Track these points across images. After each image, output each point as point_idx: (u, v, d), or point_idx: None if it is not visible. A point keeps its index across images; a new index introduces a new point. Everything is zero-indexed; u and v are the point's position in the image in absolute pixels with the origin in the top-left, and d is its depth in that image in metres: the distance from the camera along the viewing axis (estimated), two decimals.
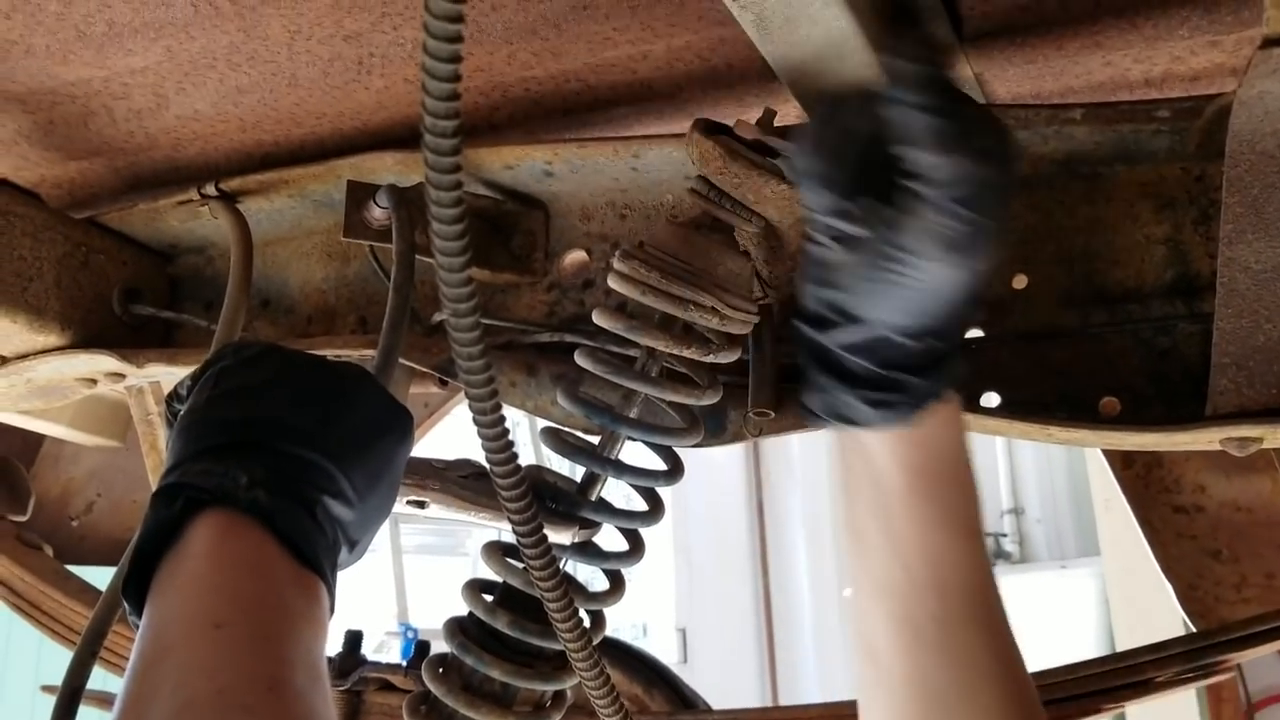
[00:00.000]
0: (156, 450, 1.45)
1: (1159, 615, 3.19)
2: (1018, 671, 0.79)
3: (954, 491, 0.80)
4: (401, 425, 0.80)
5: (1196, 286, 0.92)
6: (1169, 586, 1.23)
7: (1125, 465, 1.26)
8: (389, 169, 1.18)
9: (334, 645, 1.45)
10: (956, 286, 0.70)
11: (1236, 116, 0.81)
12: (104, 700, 1.35)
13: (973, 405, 0.97)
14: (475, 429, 0.77)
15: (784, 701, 5.39)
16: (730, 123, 0.95)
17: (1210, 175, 0.92)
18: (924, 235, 0.67)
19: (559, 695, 0.95)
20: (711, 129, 0.94)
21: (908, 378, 0.75)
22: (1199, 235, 0.93)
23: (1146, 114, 0.91)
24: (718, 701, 1.38)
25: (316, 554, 0.69)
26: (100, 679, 1.24)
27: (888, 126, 0.68)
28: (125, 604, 0.69)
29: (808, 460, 5.90)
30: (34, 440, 1.81)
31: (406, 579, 5.43)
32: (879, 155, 0.69)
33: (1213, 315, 0.85)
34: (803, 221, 0.81)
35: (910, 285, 0.69)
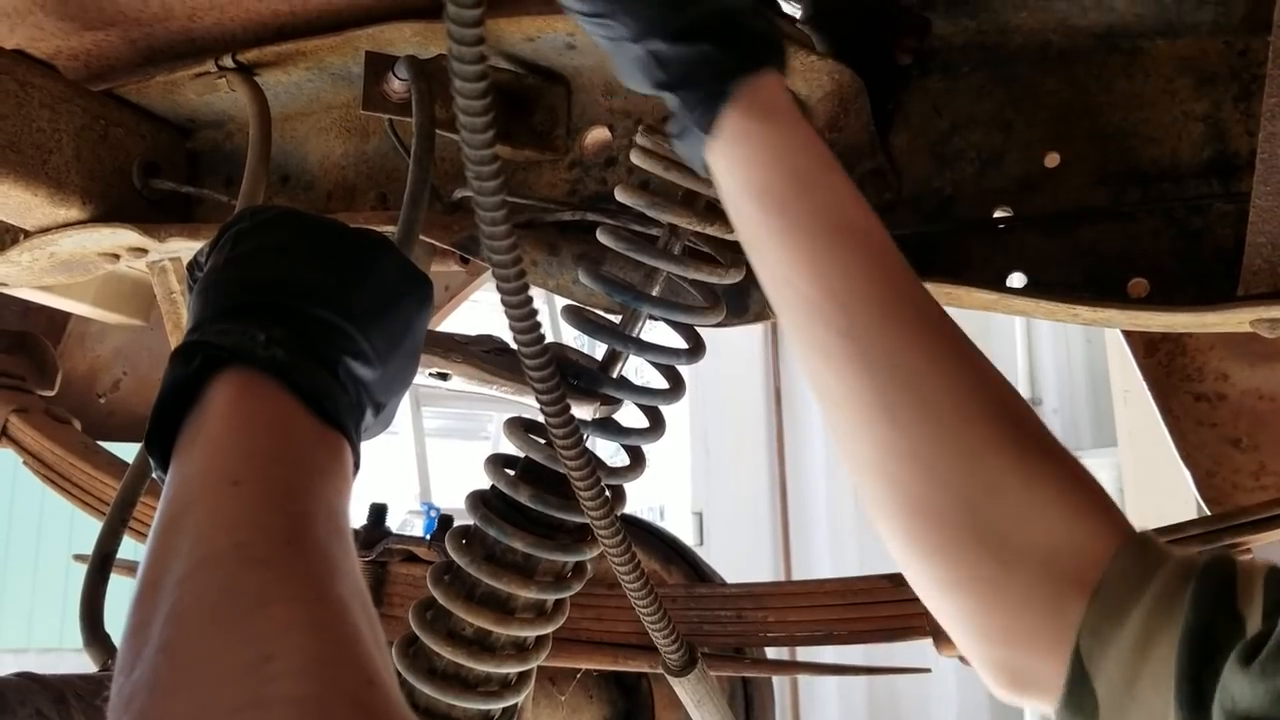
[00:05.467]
0: (180, 328, 1.46)
1: (1174, 506, 3.21)
2: (970, 369, 0.74)
3: (798, 198, 0.74)
4: (421, 289, 0.80)
5: (1234, 165, 0.90)
6: (1186, 477, 1.24)
7: (1148, 353, 1.25)
8: (408, 40, 1.15)
9: (359, 518, 1.48)
10: None
11: None
12: (135, 569, 1.39)
13: (998, 285, 0.96)
14: (500, 303, 0.77)
15: None
16: None
17: (1254, 50, 0.89)
18: None
19: (579, 566, 0.97)
20: None
21: (706, 48, 0.73)
22: (1239, 112, 0.90)
23: None
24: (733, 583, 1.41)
25: (338, 410, 0.69)
26: (131, 549, 1.28)
27: None
28: (151, 463, 0.69)
29: None
30: (60, 319, 1.82)
31: (429, 461, 5.51)
32: None
33: (1249, 195, 0.83)
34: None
35: None
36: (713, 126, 0.74)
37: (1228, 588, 0.63)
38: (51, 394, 1.70)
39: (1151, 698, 0.63)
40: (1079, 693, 0.67)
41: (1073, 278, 0.95)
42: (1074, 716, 0.67)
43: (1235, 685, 0.57)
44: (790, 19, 0.92)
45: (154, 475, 0.69)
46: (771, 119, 0.75)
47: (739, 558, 5.41)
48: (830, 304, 0.73)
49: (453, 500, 5.16)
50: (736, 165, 0.75)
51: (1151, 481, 3.59)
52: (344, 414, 0.70)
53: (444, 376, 0.92)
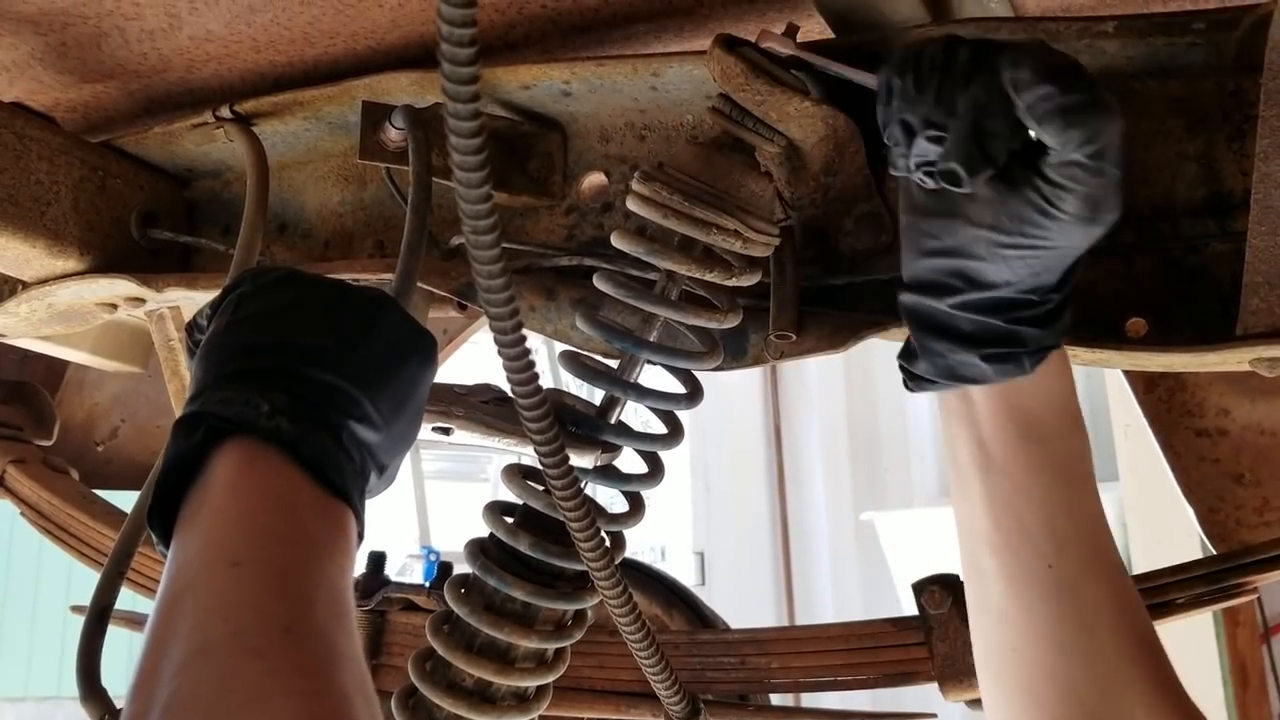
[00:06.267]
0: (178, 376, 1.46)
1: (1176, 540, 3.20)
2: (1134, 617, 0.80)
3: (1065, 437, 0.81)
4: (425, 348, 0.79)
5: (1229, 205, 0.90)
6: (1188, 511, 1.23)
7: (1147, 389, 1.25)
8: (404, 89, 1.16)
9: (357, 567, 1.47)
10: (1089, 243, 0.74)
11: (1276, 27, 0.78)
12: (132, 620, 1.38)
13: None
14: (497, 352, 0.77)
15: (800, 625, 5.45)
16: (752, 39, 0.93)
17: (1246, 90, 0.89)
18: (1069, 198, 0.72)
19: (580, 614, 0.96)
20: (733, 44, 0.92)
21: (1029, 330, 0.77)
22: (1232, 152, 0.90)
23: (1181, 26, 0.89)
24: (735, 624, 1.40)
25: (344, 480, 0.69)
26: (129, 600, 1.27)
27: (998, 90, 0.73)
28: (152, 535, 0.68)
29: (825, 385, 5.90)
30: (58, 367, 1.82)
31: (428, 504, 5.49)
32: (991, 114, 0.73)
33: (1245, 234, 0.83)
34: (899, 182, 0.84)
35: (1048, 247, 0.74)
36: (1038, 363, 0.79)
37: None
38: (49, 443, 1.70)
39: None
40: None
41: (1071, 317, 0.94)
42: None
43: None
44: (784, 65, 0.93)
45: (156, 550, 0.68)
46: (1068, 366, 0.83)
47: (741, 598, 5.38)
48: (1049, 538, 0.79)
49: (452, 543, 5.14)
50: (1026, 397, 0.80)
51: (1153, 516, 3.58)
52: (349, 482, 0.69)
53: (446, 431, 0.92)
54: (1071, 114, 0.70)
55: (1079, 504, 0.81)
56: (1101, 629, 0.78)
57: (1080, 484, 0.81)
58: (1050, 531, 0.79)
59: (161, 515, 0.67)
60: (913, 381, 0.85)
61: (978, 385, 0.80)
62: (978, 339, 0.78)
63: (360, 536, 0.71)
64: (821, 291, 1.02)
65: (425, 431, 0.89)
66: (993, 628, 0.83)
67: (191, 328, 0.81)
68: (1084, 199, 0.72)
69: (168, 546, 0.66)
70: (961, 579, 0.88)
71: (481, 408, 0.93)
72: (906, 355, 0.85)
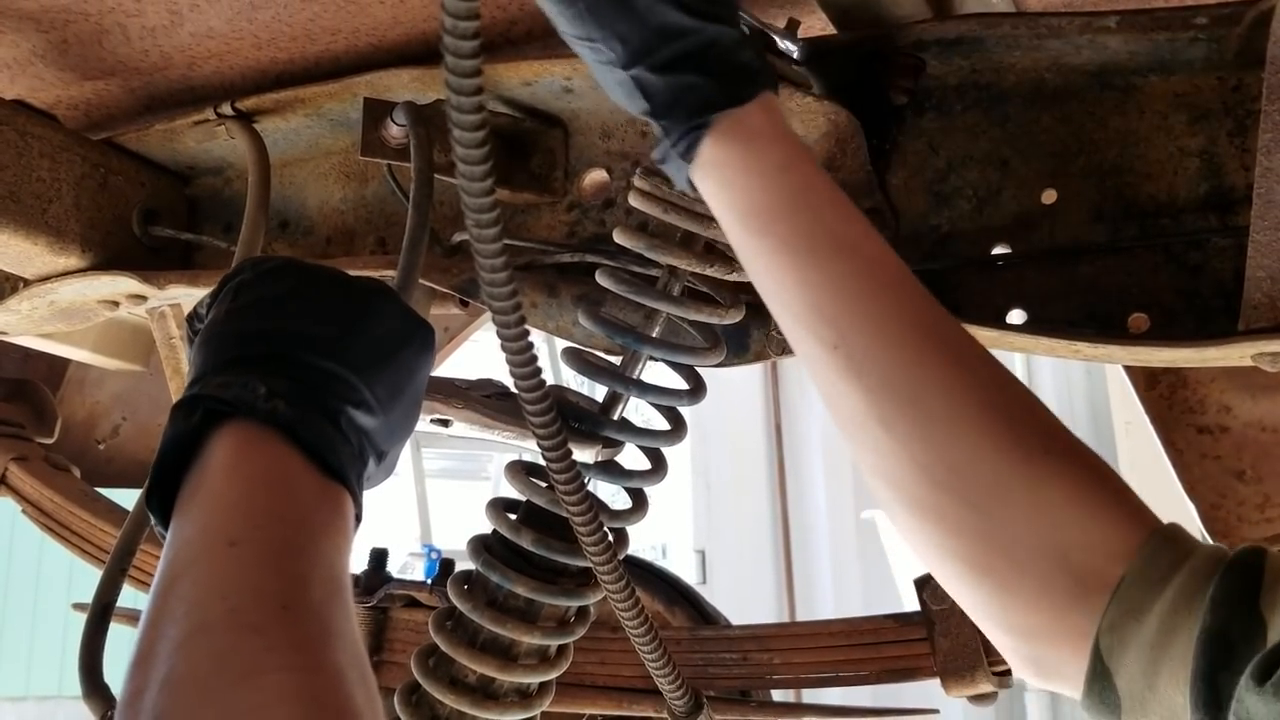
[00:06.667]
0: (180, 374, 1.46)
1: None
2: (962, 368, 0.73)
3: (781, 219, 0.75)
4: (422, 336, 0.80)
5: (1231, 200, 0.90)
6: (1190, 508, 1.23)
7: (1149, 386, 1.25)
8: (405, 86, 1.16)
9: (359, 563, 1.47)
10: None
11: (1278, 22, 0.78)
12: (134, 618, 1.37)
13: (998, 322, 0.96)
14: (500, 347, 0.77)
15: None
16: None
17: (1248, 85, 0.89)
18: None
19: (582, 611, 0.96)
20: None
21: (655, 105, 0.75)
22: (1234, 147, 0.90)
23: (1183, 21, 0.89)
24: (736, 623, 1.40)
25: (340, 463, 0.69)
26: (131, 598, 1.27)
27: None
28: (151, 518, 0.69)
29: None
30: (59, 365, 1.82)
31: (429, 502, 5.49)
32: None
33: (1247, 229, 0.83)
34: None
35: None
36: (692, 155, 0.75)
37: (1251, 587, 0.63)
38: (50, 441, 1.70)
39: (1172, 694, 0.64)
40: (1101, 688, 0.67)
41: (1073, 314, 0.95)
42: (1097, 711, 0.68)
43: (1250, 701, 0.57)
44: (787, 60, 0.93)
45: (154, 529, 0.68)
46: (750, 145, 0.76)
47: (742, 595, 5.38)
48: (817, 319, 0.74)
49: (454, 541, 5.14)
50: (721, 189, 0.77)
51: (1155, 512, 3.58)
52: (346, 466, 0.69)
53: (445, 423, 0.92)
54: None
55: (837, 275, 0.74)
56: (918, 394, 0.72)
57: (829, 255, 0.75)
58: (815, 311, 0.74)
59: (160, 497, 0.67)
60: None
61: (697, 185, 0.78)
62: (656, 99, 0.76)
63: (358, 519, 0.72)
64: None
65: (426, 426, 0.89)
66: (836, 420, 0.77)
67: (192, 318, 0.82)
68: None
69: (166, 528, 0.66)
70: None
71: (483, 402, 0.93)
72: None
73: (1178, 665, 0.63)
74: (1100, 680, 0.67)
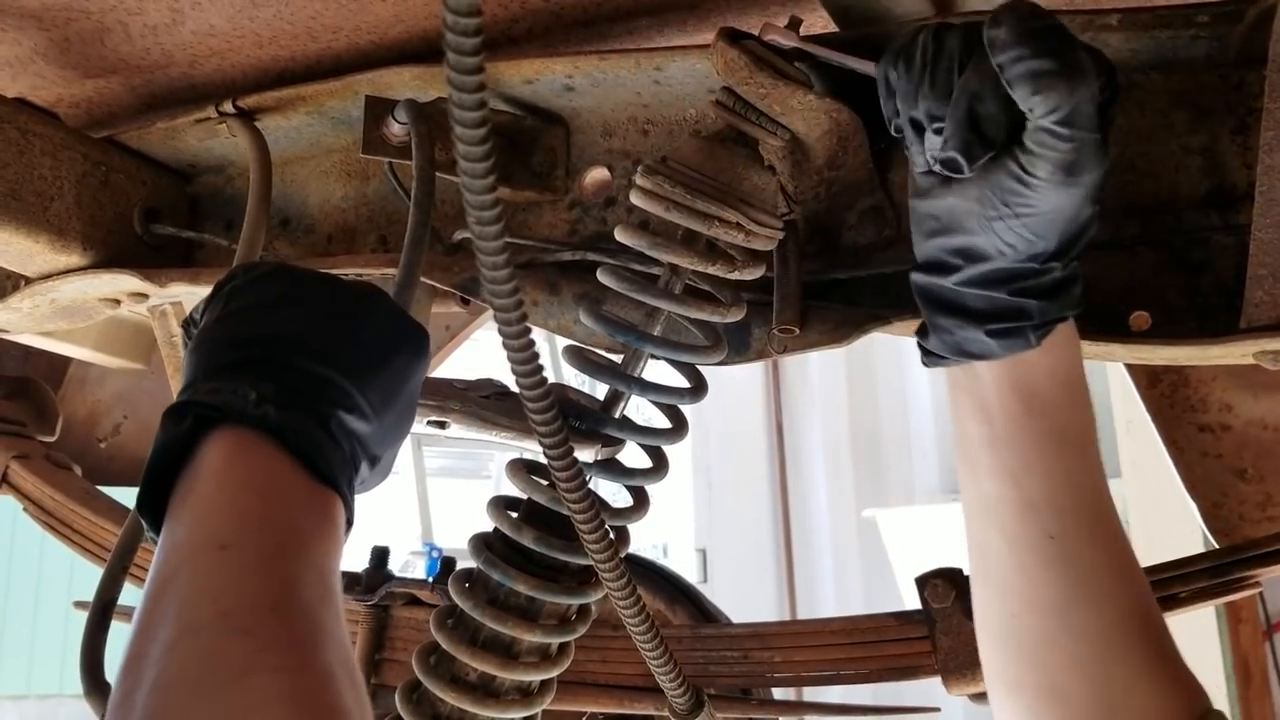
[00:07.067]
0: (181, 373, 1.46)
1: (1179, 536, 3.20)
2: (1135, 586, 0.81)
3: (1068, 410, 0.81)
4: (415, 340, 0.80)
5: (1233, 198, 0.90)
6: (1191, 507, 1.23)
7: (1150, 384, 1.25)
8: (407, 84, 1.16)
9: (360, 561, 1.47)
10: (1075, 205, 0.74)
11: None
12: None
13: None
14: (502, 344, 0.77)
15: None
16: (756, 32, 0.93)
17: (1250, 83, 0.89)
18: (1041, 163, 0.71)
19: (583, 609, 0.96)
20: (737, 37, 0.92)
21: (1032, 302, 0.77)
22: (1236, 145, 0.90)
23: (1185, 19, 0.89)
24: (737, 620, 1.39)
25: (331, 468, 0.69)
26: (132, 596, 1.27)
27: (984, 63, 0.73)
28: (143, 522, 0.69)
29: (827, 380, 5.90)
30: (61, 363, 1.82)
31: (430, 501, 5.49)
32: (983, 94, 0.74)
33: (1249, 227, 0.83)
34: (910, 171, 0.84)
35: (1031, 213, 0.74)
36: (1047, 332, 0.79)
37: None
38: (52, 439, 1.70)
39: None
40: None
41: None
42: None
43: None
44: (788, 57, 0.93)
45: (146, 536, 0.69)
46: (1074, 335, 0.82)
47: (743, 594, 5.38)
48: (1050, 508, 0.80)
49: (455, 540, 5.14)
50: (1029, 372, 0.80)
51: (1156, 512, 3.58)
52: (336, 471, 0.69)
53: (442, 425, 0.92)
54: (1039, 78, 0.69)
55: (1081, 475, 0.81)
56: (1103, 599, 0.79)
57: (1082, 455, 0.81)
58: (1052, 502, 0.80)
59: (152, 503, 0.67)
60: (926, 358, 0.85)
61: (985, 360, 0.80)
62: (983, 314, 0.79)
63: (350, 524, 0.72)
64: (824, 285, 1.02)
65: (423, 426, 0.89)
66: (995, 598, 0.83)
67: (187, 323, 0.82)
68: (1055, 164, 0.71)
69: (158, 533, 0.66)
70: (965, 571, 0.88)
71: (480, 402, 0.93)
72: (922, 333, 0.86)
73: None
74: None
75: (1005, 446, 0.81)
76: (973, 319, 0.79)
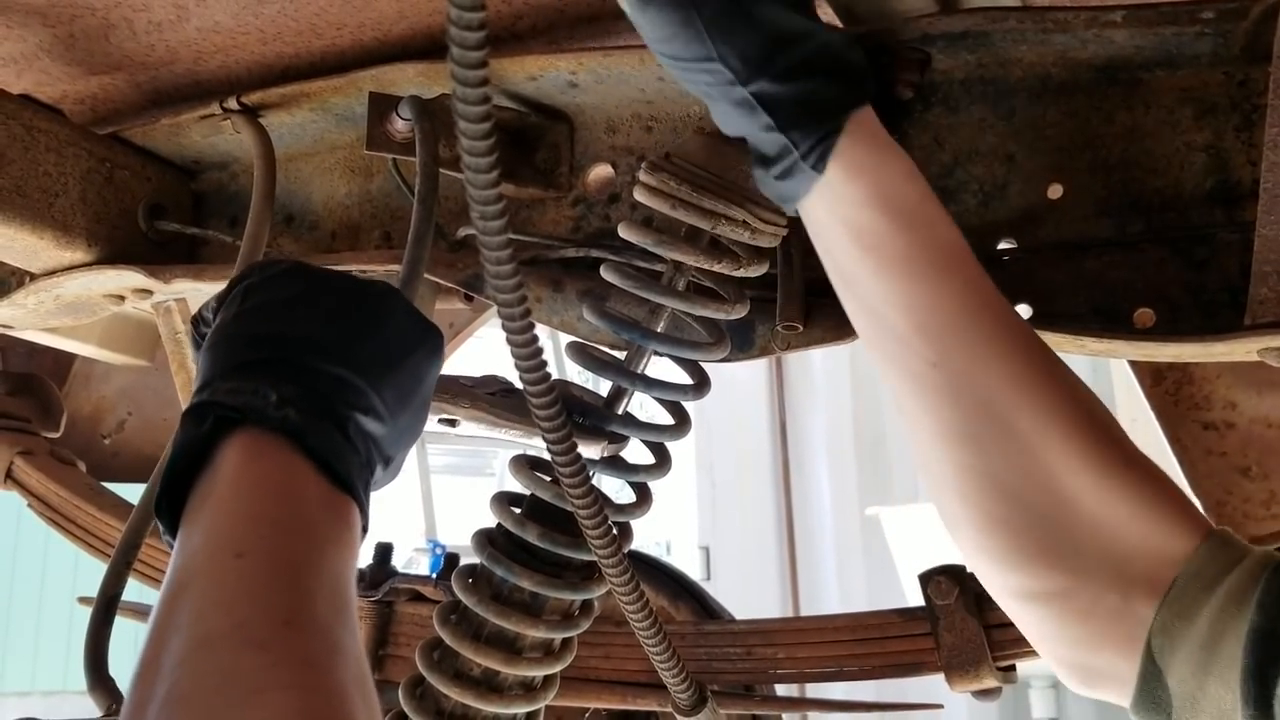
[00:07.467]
0: (185, 369, 1.46)
1: None
2: (1051, 386, 0.76)
3: (906, 234, 0.76)
4: (431, 341, 0.79)
5: (1237, 195, 0.90)
6: (1196, 504, 1.23)
7: (1154, 382, 1.25)
8: (410, 80, 1.16)
9: (364, 558, 1.47)
10: (678, 21, 0.72)
11: None
12: (139, 611, 1.38)
13: None
14: (506, 340, 0.77)
15: None
16: None
17: (1254, 80, 0.89)
18: None
19: (587, 605, 0.96)
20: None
21: (789, 135, 0.75)
22: (1240, 142, 0.90)
23: (1190, 16, 0.88)
24: (740, 617, 1.40)
25: (349, 473, 0.68)
26: (136, 592, 1.27)
27: None
28: (159, 525, 0.68)
29: (830, 378, 5.90)
30: (65, 360, 1.82)
31: (434, 497, 5.50)
32: None
33: (1253, 224, 0.83)
34: None
35: (650, 40, 0.73)
36: (824, 164, 0.75)
37: None
38: (56, 435, 1.70)
39: (1221, 693, 0.65)
40: (1152, 689, 0.69)
41: (1078, 309, 0.94)
42: (1148, 712, 0.70)
43: None
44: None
45: (163, 540, 0.68)
46: (880, 152, 0.77)
47: (746, 592, 5.38)
48: (921, 337, 0.76)
49: (458, 537, 5.15)
50: (841, 203, 0.77)
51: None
52: (354, 475, 0.69)
53: (452, 423, 0.92)
54: None
55: (947, 296, 0.76)
56: (1010, 413, 0.74)
57: (942, 276, 0.76)
58: (922, 331, 0.76)
59: (169, 505, 0.67)
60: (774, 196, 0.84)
61: (802, 202, 0.78)
62: (767, 159, 0.78)
63: (364, 530, 0.71)
64: (828, 283, 1.02)
65: (431, 423, 0.89)
66: (910, 435, 0.80)
67: (197, 321, 0.81)
68: None
69: (175, 536, 0.66)
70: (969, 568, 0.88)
71: (488, 399, 0.93)
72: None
73: (1227, 664, 0.65)
74: (1151, 681, 0.69)
75: (857, 284, 0.78)
76: (765, 166, 0.78)
